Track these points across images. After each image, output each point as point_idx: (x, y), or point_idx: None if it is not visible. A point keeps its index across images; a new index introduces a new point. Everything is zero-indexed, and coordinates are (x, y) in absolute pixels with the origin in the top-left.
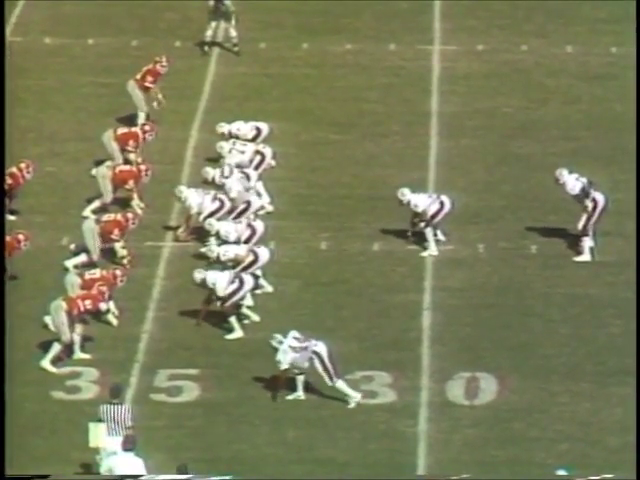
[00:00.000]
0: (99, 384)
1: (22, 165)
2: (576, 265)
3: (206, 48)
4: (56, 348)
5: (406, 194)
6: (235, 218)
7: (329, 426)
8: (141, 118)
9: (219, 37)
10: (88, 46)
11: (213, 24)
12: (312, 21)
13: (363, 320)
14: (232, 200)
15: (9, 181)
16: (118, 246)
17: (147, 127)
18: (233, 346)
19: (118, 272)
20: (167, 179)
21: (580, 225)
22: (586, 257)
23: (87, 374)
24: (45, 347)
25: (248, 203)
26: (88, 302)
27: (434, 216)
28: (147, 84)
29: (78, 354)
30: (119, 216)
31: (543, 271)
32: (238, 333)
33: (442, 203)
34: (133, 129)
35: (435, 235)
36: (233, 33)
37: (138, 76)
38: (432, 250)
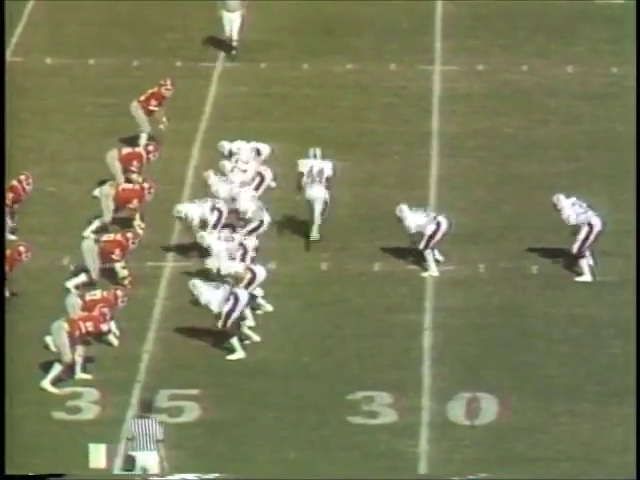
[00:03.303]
0: (100, 405)
1: (22, 177)
2: (577, 285)
3: (234, 52)
4: (57, 369)
5: (404, 210)
6: (248, 235)
7: (330, 447)
8: (143, 139)
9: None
10: (89, 66)
11: (225, 15)
12: (313, 41)
13: (364, 340)
14: (245, 219)
15: (10, 195)
16: (119, 266)
17: (151, 147)
18: (234, 366)
19: (119, 292)
20: (168, 199)
21: (575, 248)
22: (587, 277)
23: (88, 395)
24: (46, 367)
25: (261, 222)
26: (89, 324)
27: (432, 237)
28: (151, 107)
29: (79, 374)
30: (119, 236)
31: (544, 291)
32: (240, 354)
33: (439, 224)
34: (137, 149)
35: (433, 255)
36: (235, 36)
37: (142, 98)
38: (432, 271)
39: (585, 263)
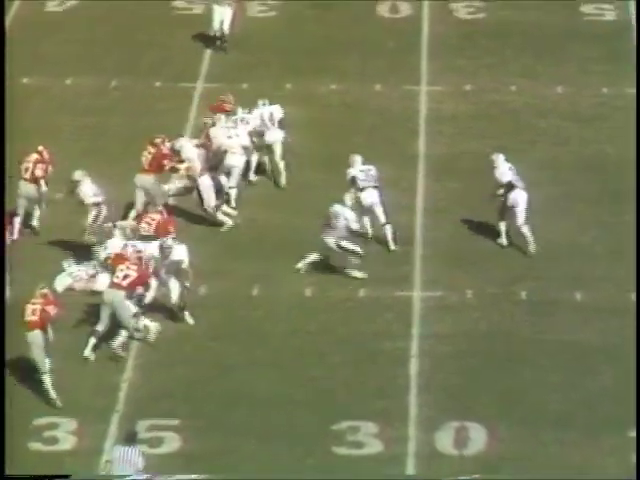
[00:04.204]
0: (77, 435)
1: (39, 149)
2: (566, 311)
3: (224, 45)
4: (123, 335)
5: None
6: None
7: (315, 477)
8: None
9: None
10: (66, 86)
11: (216, 8)
12: (297, 61)
13: (349, 367)
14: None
15: (42, 166)
16: (171, 241)
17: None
18: (215, 395)
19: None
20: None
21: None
22: (503, 241)
23: (65, 425)
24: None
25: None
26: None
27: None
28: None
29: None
30: (159, 217)
31: (532, 317)
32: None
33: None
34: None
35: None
36: (226, 30)
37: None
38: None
39: (503, 227)
